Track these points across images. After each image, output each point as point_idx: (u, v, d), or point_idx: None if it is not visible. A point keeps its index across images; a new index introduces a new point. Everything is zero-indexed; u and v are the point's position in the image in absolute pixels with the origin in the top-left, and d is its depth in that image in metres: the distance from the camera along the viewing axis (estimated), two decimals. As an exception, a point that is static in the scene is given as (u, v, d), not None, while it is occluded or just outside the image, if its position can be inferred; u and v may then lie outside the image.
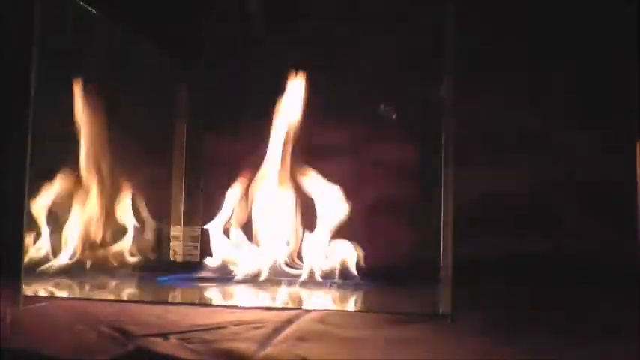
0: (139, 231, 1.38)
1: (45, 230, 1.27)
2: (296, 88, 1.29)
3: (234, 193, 1.30)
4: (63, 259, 1.27)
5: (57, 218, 1.29)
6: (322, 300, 1.15)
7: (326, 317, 0.92)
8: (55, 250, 1.28)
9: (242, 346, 0.75)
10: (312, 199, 1.30)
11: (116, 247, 1.35)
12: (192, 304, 1.05)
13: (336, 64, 1.36)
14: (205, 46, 1.40)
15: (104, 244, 1.34)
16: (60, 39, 1.12)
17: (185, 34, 1.39)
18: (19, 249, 1.02)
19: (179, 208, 1.47)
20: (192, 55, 1.43)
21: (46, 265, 1.25)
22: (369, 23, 1.33)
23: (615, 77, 1.30)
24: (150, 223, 1.41)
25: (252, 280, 1.26)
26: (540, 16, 1.33)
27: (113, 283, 1.27)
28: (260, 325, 0.86)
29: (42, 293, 1.12)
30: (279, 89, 1.33)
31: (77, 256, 1.29)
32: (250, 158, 1.32)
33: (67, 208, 1.30)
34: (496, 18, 1.33)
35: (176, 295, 1.17)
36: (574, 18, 1.32)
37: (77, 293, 1.17)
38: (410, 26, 1.31)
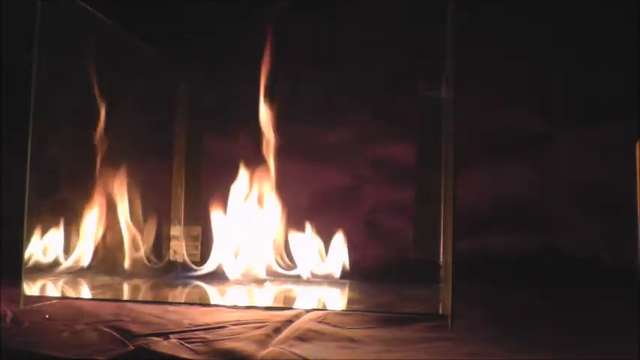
0: (139, 232, 1.38)
1: (46, 231, 1.27)
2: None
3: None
4: (63, 259, 1.27)
5: (57, 218, 1.29)
6: (322, 300, 1.15)
7: (326, 317, 0.92)
8: (56, 251, 1.28)
9: (242, 346, 0.75)
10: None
11: (117, 248, 1.35)
12: (192, 304, 1.05)
13: (336, 63, 1.36)
14: (205, 46, 1.40)
15: (105, 244, 1.34)
16: (60, 39, 1.12)
17: (185, 34, 1.39)
18: (20, 249, 1.03)
19: (179, 208, 1.46)
20: (192, 55, 1.43)
21: (47, 266, 1.25)
22: (368, 22, 1.33)
23: (615, 77, 1.30)
24: (150, 224, 1.41)
25: (252, 280, 1.27)
26: (541, 16, 1.33)
27: (113, 283, 1.27)
28: (260, 325, 0.86)
29: (43, 293, 1.12)
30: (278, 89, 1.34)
31: (78, 256, 1.29)
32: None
33: (68, 208, 1.30)
34: (496, 17, 1.33)
35: (176, 295, 1.17)
36: (573, 17, 1.32)
37: (77, 293, 1.17)
38: (410, 25, 1.32)
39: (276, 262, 1.30)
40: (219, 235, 1.32)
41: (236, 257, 1.30)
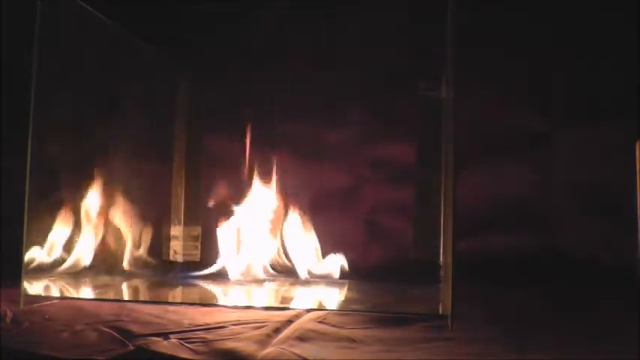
0: (139, 232, 1.38)
1: (46, 231, 1.27)
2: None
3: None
4: (63, 259, 1.27)
5: (57, 218, 1.29)
6: (322, 300, 1.15)
7: (326, 317, 0.92)
8: (56, 251, 1.28)
9: (242, 346, 0.75)
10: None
11: (117, 248, 1.35)
12: (192, 304, 1.05)
13: (336, 63, 1.36)
14: (205, 46, 1.40)
15: (105, 244, 1.34)
16: (60, 39, 1.12)
17: (185, 34, 1.39)
18: (20, 249, 1.02)
19: (179, 208, 1.46)
20: (192, 55, 1.43)
21: (47, 266, 1.25)
22: (368, 22, 1.33)
23: (615, 77, 1.30)
24: (149, 224, 1.41)
25: (252, 280, 1.27)
26: (541, 16, 1.33)
27: (114, 283, 1.27)
28: (260, 325, 0.86)
29: (43, 293, 1.12)
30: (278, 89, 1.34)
31: (78, 256, 1.29)
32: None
33: (68, 208, 1.30)
34: (496, 17, 1.33)
35: (176, 295, 1.17)
36: (573, 17, 1.32)
37: (77, 293, 1.17)
38: (410, 25, 1.32)
39: (276, 262, 1.30)
40: (224, 235, 1.33)
41: (237, 257, 1.30)
